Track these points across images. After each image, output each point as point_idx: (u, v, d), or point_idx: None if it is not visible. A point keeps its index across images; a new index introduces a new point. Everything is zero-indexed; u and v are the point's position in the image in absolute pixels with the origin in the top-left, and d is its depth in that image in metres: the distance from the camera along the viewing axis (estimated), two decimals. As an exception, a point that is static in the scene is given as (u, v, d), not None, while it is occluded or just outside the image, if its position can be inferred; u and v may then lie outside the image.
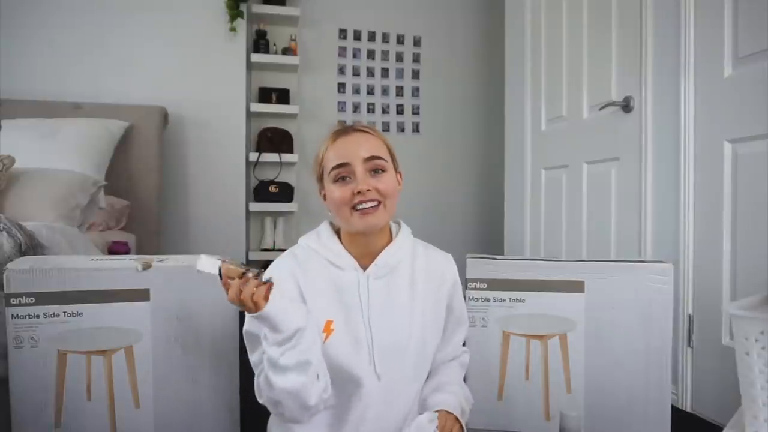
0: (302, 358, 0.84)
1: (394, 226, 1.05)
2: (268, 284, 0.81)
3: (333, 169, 0.93)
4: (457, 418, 0.95)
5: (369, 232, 0.95)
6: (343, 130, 0.97)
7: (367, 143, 0.95)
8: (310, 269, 0.97)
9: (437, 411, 0.94)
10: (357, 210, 0.92)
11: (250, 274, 0.81)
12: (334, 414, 0.94)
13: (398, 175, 1.01)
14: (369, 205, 0.91)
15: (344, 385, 0.93)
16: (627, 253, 1.83)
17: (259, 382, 0.91)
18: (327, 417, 0.94)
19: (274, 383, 0.86)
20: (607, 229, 1.94)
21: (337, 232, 1.02)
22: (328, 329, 0.92)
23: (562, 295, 1.22)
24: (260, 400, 0.92)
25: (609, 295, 1.20)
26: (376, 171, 0.94)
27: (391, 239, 1.01)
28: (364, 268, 0.98)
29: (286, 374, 0.85)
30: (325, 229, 1.02)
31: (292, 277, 0.95)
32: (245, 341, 0.96)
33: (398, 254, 0.99)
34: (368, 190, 0.91)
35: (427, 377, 1.04)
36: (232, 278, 0.81)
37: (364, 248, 0.98)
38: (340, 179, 0.93)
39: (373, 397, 0.93)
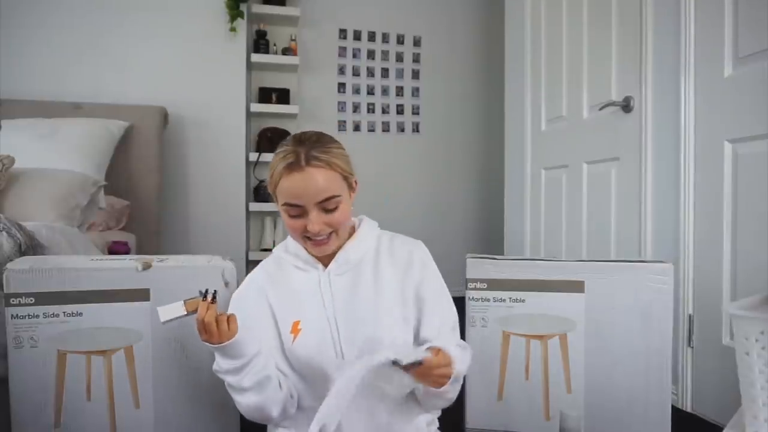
0: (261, 376, 0.93)
1: (356, 221, 1.05)
2: (231, 316, 0.91)
3: (285, 205, 0.93)
4: (450, 363, 0.86)
5: (322, 255, 0.98)
6: (296, 163, 0.90)
7: (321, 182, 0.90)
8: (278, 277, 1.02)
9: (429, 348, 0.85)
10: (309, 240, 0.95)
11: (209, 297, 0.89)
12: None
13: (353, 184, 0.98)
14: (320, 238, 0.94)
15: (318, 382, 0.95)
16: (627, 253, 1.83)
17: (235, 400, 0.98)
18: (311, 416, 0.93)
19: (238, 401, 0.95)
20: (607, 229, 1.94)
21: None
22: (295, 330, 0.96)
23: (562, 295, 1.21)
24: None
25: (609, 295, 1.20)
26: (329, 210, 0.93)
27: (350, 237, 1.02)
28: (327, 266, 1.01)
29: (246, 394, 0.93)
30: (291, 239, 1.04)
31: (260, 292, 1.01)
32: None
33: (360, 249, 1.01)
34: (320, 230, 0.92)
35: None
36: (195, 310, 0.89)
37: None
38: (292, 215, 0.93)
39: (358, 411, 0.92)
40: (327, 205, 0.92)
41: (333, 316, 0.97)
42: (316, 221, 0.91)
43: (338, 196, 0.93)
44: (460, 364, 0.89)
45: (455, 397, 0.97)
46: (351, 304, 0.98)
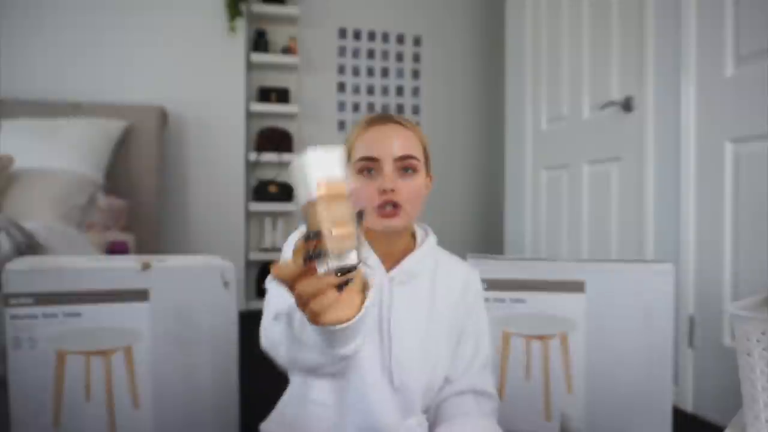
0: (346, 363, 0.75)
1: (420, 231, 0.98)
2: (359, 288, 0.58)
3: (359, 160, 0.84)
4: None
5: (386, 232, 0.87)
6: (379, 118, 0.88)
7: (402, 139, 0.85)
8: None
9: None
10: (377, 209, 0.84)
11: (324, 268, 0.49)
12: (338, 413, 0.89)
13: (428, 179, 0.93)
14: (389, 208, 0.84)
15: (353, 373, 0.86)
16: (628, 253, 1.83)
17: (275, 339, 0.77)
18: (331, 416, 0.89)
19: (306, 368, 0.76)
20: (608, 229, 1.94)
21: None
22: None
23: (563, 295, 1.21)
24: (265, 347, 0.81)
25: (610, 295, 1.20)
26: (406, 170, 0.85)
27: (413, 243, 0.95)
28: (387, 269, 0.91)
29: (325, 377, 0.80)
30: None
31: None
32: (267, 289, 0.87)
33: (423, 262, 0.93)
34: (392, 190, 0.82)
35: (440, 421, 0.93)
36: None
37: (386, 248, 0.91)
38: (365, 171, 0.84)
39: (384, 405, 0.87)
40: (405, 164, 0.84)
41: (389, 326, 0.87)
42: (389, 178, 0.82)
43: (417, 160, 0.86)
44: None
45: None
46: (406, 316, 0.89)
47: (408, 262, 0.90)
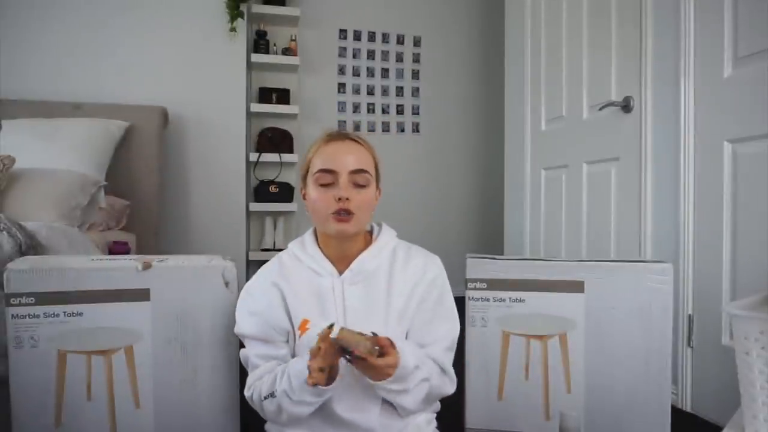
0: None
1: (375, 229, 1.06)
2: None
3: (318, 172, 0.96)
4: (395, 350, 0.86)
5: (339, 237, 0.98)
6: (336, 135, 1.00)
7: (356, 154, 0.98)
8: (293, 275, 1.01)
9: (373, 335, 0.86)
10: (332, 215, 0.95)
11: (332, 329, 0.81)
12: (318, 415, 0.96)
13: (378, 191, 1.03)
14: (344, 214, 0.95)
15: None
16: (627, 253, 1.84)
17: (253, 398, 0.99)
18: (312, 417, 0.96)
19: (282, 420, 0.95)
20: (607, 229, 1.95)
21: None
22: (303, 328, 0.96)
23: (562, 295, 1.21)
24: (249, 400, 1.00)
25: (609, 295, 1.20)
26: (358, 185, 0.97)
27: (367, 244, 1.03)
28: (341, 272, 1.00)
29: (300, 415, 0.93)
30: (309, 237, 1.05)
31: (274, 284, 1.00)
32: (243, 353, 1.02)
33: (377, 259, 1.01)
34: (347, 199, 0.94)
35: None
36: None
37: (340, 252, 1.01)
38: (323, 184, 0.96)
39: (349, 401, 0.94)
40: (358, 179, 0.96)
41: (342, 318, 0.96)
42: (345, 187, 0.94)
43: (369, 174, 0.98)
44: (407, 358, 0.88)
45: (412, 403, 0.94)
46: (361, 315, 0.97)
47: (357, 264, 1.00)
